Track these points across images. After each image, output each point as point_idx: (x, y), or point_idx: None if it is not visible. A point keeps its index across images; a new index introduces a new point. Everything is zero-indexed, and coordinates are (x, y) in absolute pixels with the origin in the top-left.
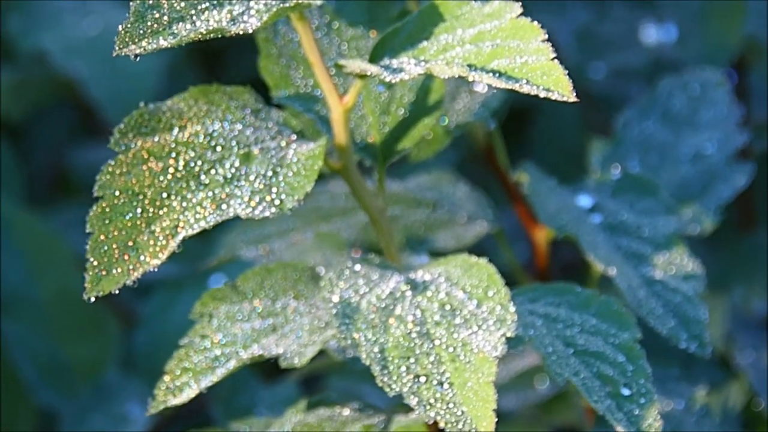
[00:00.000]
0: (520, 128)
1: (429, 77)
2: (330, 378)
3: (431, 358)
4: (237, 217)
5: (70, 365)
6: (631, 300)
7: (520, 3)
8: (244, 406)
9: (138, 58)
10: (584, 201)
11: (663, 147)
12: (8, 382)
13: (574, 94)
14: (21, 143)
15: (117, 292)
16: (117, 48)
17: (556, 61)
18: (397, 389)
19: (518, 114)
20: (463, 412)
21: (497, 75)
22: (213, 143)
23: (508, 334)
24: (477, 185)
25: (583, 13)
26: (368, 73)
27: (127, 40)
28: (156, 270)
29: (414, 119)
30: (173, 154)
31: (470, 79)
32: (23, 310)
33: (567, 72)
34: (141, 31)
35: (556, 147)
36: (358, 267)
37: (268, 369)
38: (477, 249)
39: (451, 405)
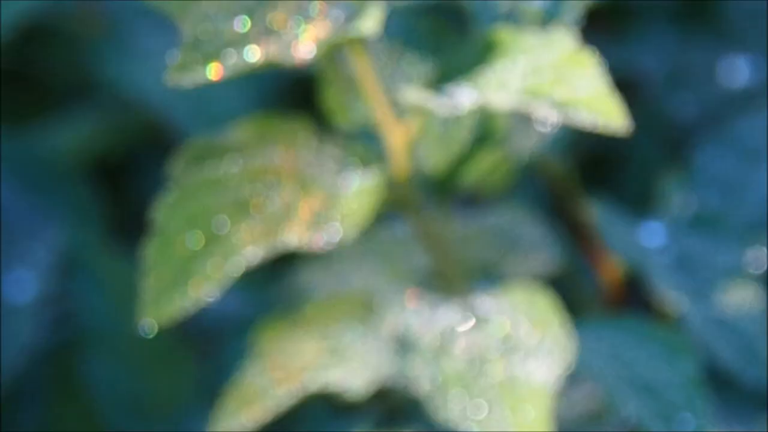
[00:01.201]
0: (608, 170)
1: (492, 111)
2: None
3: (488, 391)
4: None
5: (150, 402)
6: (698, 335)
7: (579, 34)
8: None
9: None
10: (656, 236)
11: (740, 182)
12: (89, 418)
13: (629, 126)
14: (116, 184)
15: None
16: (168, 79)
17: (612, 93)
18: (454, 422)
19: (605, 156)
20: None
21: (555, 106)
22: (270, 174)
23: (567, 367)
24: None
25: (670, 46)
26: (426, 104)
27: (178, 71)
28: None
29: (477, 153)
30: (229, 185)
31: (528, 110)
32: (106, 346)
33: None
34: (192, 63)
35: (644, 184)
36: (417, 299)
37: (346, 403)
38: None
39: None
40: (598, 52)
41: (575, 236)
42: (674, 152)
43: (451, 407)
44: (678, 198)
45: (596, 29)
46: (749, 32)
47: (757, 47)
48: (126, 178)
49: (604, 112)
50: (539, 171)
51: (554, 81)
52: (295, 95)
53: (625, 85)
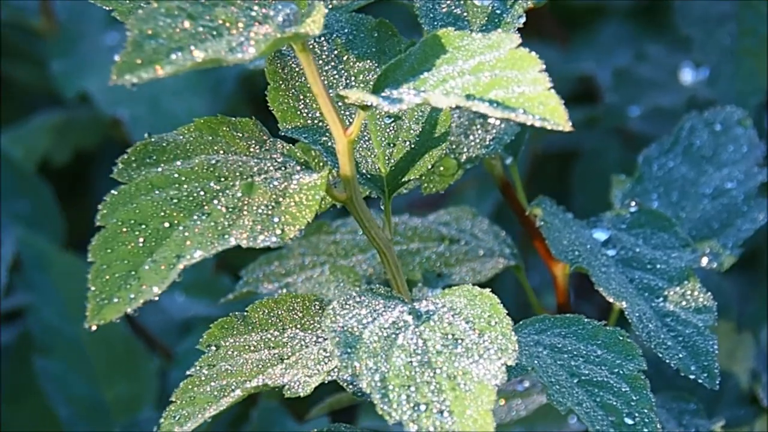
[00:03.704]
0: (564, 168)
1: (437, 110)
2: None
3: (432, 387)
4: (239, 247)
5: (107, 403)
6: (641, 332)
7: (519, 34)
8: None
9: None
10: (599, 235)
11: (684, 183)
12: (45, 420)
13: (570, 123)
14: (70, 184)
15: (118, 320)
16: (113, 77)
17: (552, 90)
18: (397, 417)
19: (564, 154)
20: None
21: (494, 105)
22: (216, 173)
23: (509, 363)
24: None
25: (624, 56)
26: (368, 103)
27: (123, 69)
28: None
29: (420, 151)
30: (176, 185)
31: (471, 108)
32: (60, 348)
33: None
34: (138, 61)
35: (597, 186)
36: (362, 297)
37: (299, 406)
38: (499, 284)
39: None
40: (549, 56)
41: (530, 233)
42: (628, 154)
43: (392, 404)
44: (624, 199)
45: (551, 36)
46: (697, 38)
47: (704, 52)
48: (90, 181)
49: (545, 110)
50: (487, 169)
51: (494, 80)
52: (258, 98)
53: (581, 89)
